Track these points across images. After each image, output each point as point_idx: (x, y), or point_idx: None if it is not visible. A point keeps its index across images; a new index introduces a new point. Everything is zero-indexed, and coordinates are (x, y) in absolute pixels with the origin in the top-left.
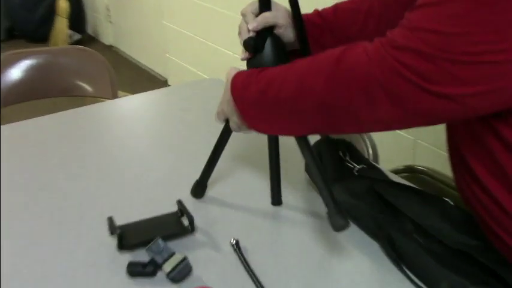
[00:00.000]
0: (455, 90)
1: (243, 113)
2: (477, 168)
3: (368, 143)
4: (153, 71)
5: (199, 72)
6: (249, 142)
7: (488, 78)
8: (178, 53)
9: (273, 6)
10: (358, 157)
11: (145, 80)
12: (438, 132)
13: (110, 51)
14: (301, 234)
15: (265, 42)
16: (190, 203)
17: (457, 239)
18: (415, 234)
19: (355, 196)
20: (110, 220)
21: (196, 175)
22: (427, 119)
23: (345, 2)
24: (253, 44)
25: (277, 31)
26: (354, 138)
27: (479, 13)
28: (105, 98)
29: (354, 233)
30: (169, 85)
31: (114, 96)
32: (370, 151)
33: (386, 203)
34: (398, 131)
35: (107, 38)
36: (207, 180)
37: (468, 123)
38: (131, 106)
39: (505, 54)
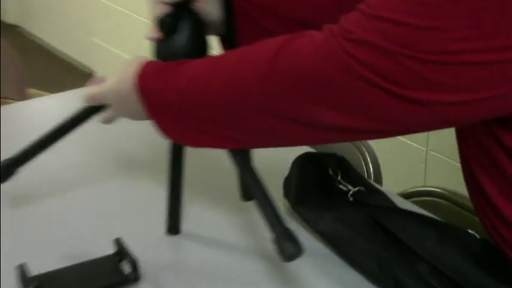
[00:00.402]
0: (428, 96)
1: (157, 120)
2: (488, 187)
3: (367, 156)
4: (75, 60)
5: None
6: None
7: (471, 84)
8: (108, 36)
9: None
10: (354, 176)
11: (64, 72)
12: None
13: (14, 32)
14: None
15: (177, 23)
16: (135, 241)
17: (484, 283)
18: (430, 277)
19: (349, 228)
20: (21, 269)
21: (139, 201)
22: (393, 127)
23: None
24: (171, 23)
25: (196, 6)
26: (347, 150)
27: (457, 2)
28: (9, 99)
29: (347, 276)
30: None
31: (23, 96)
32: (370, 168)
33: (391, 238)
34: (405, 140)
35: (9, 14)
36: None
37: (472, 128)
38: (46, 110)
39: (490, 54)
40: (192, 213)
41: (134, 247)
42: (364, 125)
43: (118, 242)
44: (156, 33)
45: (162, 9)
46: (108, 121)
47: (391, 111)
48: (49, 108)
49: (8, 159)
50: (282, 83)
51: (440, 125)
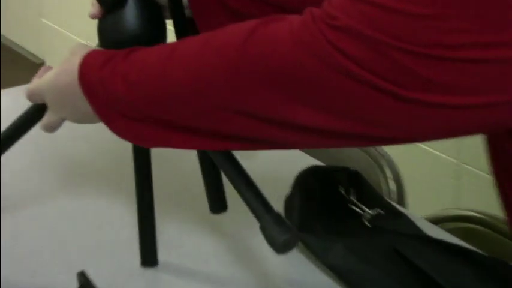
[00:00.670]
0: (423, 96)
1: (104, 117)
2: None
3: (387, 170)
4: (20, 47)
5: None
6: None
7: (471, 85)
8: (62, 16)
9: None
10: (370, 196)
11: (7, 62)
12: None
13: None
14: None
15: None
16: (104, 275)
17: None
18: None
19: (365, 261)
20: None
21: (106, 224)
22: (385, 132)
23: None
24: None
25: None
26: (362, 163)
27: None
28: None
29: None
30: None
31: None
32: (391, 185)
33: (416, 273)
34: (432, 150)
35: None
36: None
37: (497, 137)
38: None
39: (493, 50)
40: (167, 238)
41: (102, 282)
42: (351, 128)
43: (82, 277)
44: (95, 9)
45: None
46: (49, 127)
47: (380, 111)
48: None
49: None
50: (252, 75)
51: (443, 132)
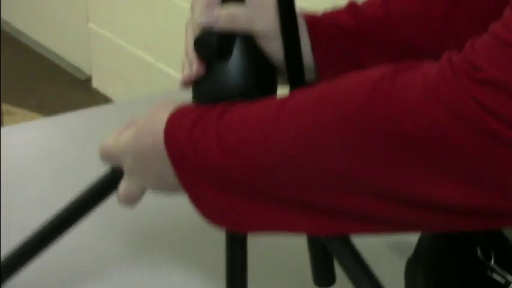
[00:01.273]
0: None
1: (189, 187)
2: None
3: None
4: (63, 59)
5: (161, 64)
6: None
7: None
8: (114, 21)
9: None
10: None
11: (46, 78)
12: None
13: None
14: None
15: (232, 44)
16: None
17: None
18: None
19: None
20: None
21: None
22: None
23: None
24: (215, 45)
25: (260, 43)
26: None
27: None
28: None
29: None
30: (95, 88)
31: None
32: None
33: None
34: None
35: None
36: None
37: None
38: (25, 141)
39: None
40: None
41: None
42: (503, 205)
43: None
44: (192, 68)
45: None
46: (128, 198)
47: None
48: (30, 138)
49: (7, 257)
50: (377, 140)
51: None
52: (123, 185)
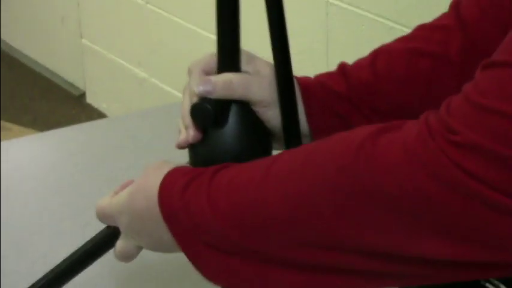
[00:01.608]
0: None
1: (185, 248)
2: None
3: None
4: (57, 75)
5: (154, 80)
6: None
7: None
8: (107, 37)
9: (247, 63)
10: None
11: (41, 94)
12: None
13: None
14: None
15: (228, 112)
16: None
17: None
18: None
19: None
20: None
21: None
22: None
23: (392, 43)
24: (211, 112)
25: (257, 111)
26: None
27: None
28: None
29: None
30: (89, 103)
31: None
32: None
33: None
34: None
35: None
36: None
37: None
38: (20, 157)
39: None
40: None
41: None
42: (481, 257)
43: None
44: (188, 134)
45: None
46: (124, 256)
47: None
48: (28, 155)
49: None
50: (361, 201)
51: None
52: (120, 243)
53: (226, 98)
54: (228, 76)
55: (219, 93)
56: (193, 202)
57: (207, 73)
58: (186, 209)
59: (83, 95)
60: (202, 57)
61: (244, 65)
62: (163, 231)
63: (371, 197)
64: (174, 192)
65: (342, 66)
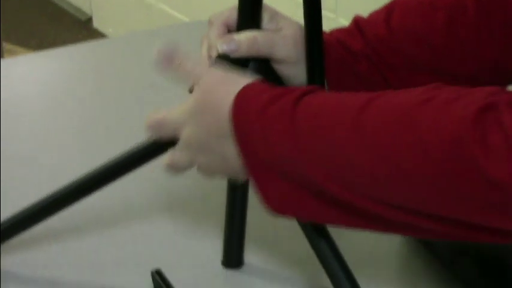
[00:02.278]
0: None
1: (259, 183)
2: None
3: None
4: (66, 0)
5: (161, 5)
6: None
7: None
8: None
9: (270, 21)
10: None
11: (49, 18)
12: None
13: None
14: None
15: (247, 68)
16: (181, 276)
17: None
18: None
19: None
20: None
21: (185, 224)
22: None
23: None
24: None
25: (277, 68)
26: None
27: None
28: None
29: None
30: (96, 28)
31: None
32: None
33: None
34: None
35: None
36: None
37: None
38: (27, 75)
39: None
40: (253, 241)
41: (180, 284)
42: None
43: (158, 276)
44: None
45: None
46: (175, 168)
47: None
48: (31, 72)
49: (17, 216)
50: (461, 185)
51: None
52: (174, 154)
53: (251, 55)
54: (252, 34)
55: (244, 51)
56: (272, 127)
57: (228, 26)
58: (263, 132)
59: (89, 20)
60: (224, 10)
61: (266, 23)
62: (228, 148)
63: (472, 182)
64: (251, 110)
65: (357, 21)
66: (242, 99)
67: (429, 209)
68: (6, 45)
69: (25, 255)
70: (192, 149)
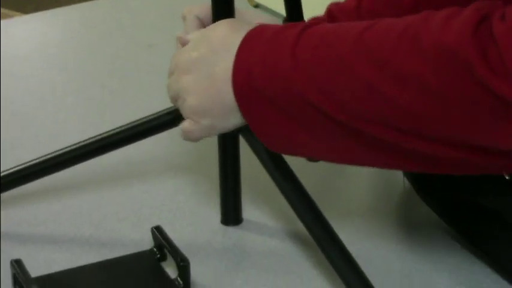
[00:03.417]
0: None
1: (249, 115)
2: None
3: None
4: None
5: None
6: None
7: None
8: None
9: (242, 14)
10: None
11: None
12: None
13: None
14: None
15: None
16: (181, 233)
17: None
18: None
19: None
20: (18, 265)
21: (184, 184)
22: None
23: None
24: None
25: None
26: None
27: None
28: None
29: None
30: None
31: None
32: None
33: None
34: None
35: None
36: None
37: None
38: (22, 35)
39: None
40: (251, 198)
41: (180, 241)
42: None
43: (158, 232)
44: None
45: None
46: (189, 137)
47: None
48: (29, 33)
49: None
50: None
51: None
52: (187, 125)
53: None
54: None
55: None
56: (274, 51)
57: (202, 20)
58: (263, 57)
59: None
60: (198, 5)
61: (238, 16)
62: (219, 64)
63: (480, 90)
64: (261, 39)
65: (331, 10)
66: (254, 31)
67: (426, 123)
68: (3, 10)
69: (25, 212)
70: (178, 68)
